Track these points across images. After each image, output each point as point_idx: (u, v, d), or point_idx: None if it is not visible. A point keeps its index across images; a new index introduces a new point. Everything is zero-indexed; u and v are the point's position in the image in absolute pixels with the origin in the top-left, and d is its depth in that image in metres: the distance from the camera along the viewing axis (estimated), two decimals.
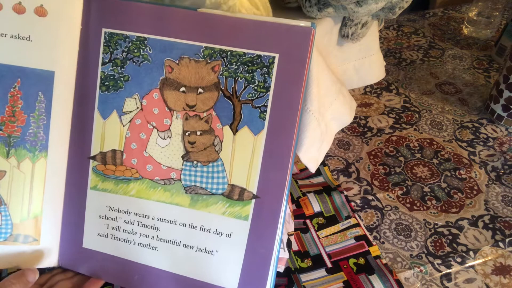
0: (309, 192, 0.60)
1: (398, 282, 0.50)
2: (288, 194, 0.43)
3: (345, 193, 0.60)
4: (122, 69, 0.44)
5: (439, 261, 0.53)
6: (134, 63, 0.43)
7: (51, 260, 0.47)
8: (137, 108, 0.44)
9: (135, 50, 0.43)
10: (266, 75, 0.41)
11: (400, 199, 0.60)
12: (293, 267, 0.52)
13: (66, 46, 0.44)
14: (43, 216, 0.46)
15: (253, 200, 0.43)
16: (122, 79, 0.44)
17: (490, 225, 0.57)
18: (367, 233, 0.56)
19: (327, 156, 0.67)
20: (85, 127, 0.45)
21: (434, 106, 0.76)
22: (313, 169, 0.55)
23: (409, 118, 0.74)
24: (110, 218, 0.46)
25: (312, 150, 0.53)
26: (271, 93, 0.41)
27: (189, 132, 0.43)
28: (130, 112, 0.44)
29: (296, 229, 0.56)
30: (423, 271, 0.52)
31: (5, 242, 0.45)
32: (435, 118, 0.74)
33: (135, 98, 0.44)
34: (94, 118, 0.45)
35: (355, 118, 0.73)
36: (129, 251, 0.46)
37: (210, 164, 0.43)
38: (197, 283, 0.45)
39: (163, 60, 0.43)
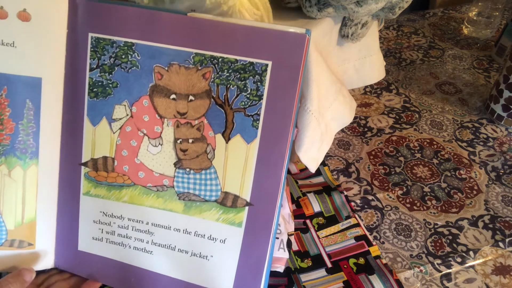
0: (309, 192, 0.60)
1: (398, 282, 0.50)
2: (281, 201, 0.43)
3: (345, 193, 0.60)
4: (111, 75, 0.43)
5: (439, 261, 0.53)
6: (123, 69, 0.42)
7: (47, 262, 0.47)
8: (127, 115, 0.43)
9: (123, 56, 0.42)
10: (258, 83, 0.40)
11: (400, 199, 0.60)
12: (293, 267, 0.52)
13: (52, 52, 0.43)
14: (37, 221, 0.46)
15: (247, 207, 0.43)
16: (110, 85, 0.43)
17: (490, 225, 0.57)
18: (367, 233, 0.56)
19: (327, 156, 0.67)
20: (75, 134, 0.45)
21: (434, 106, 0.76)
22: (313, 169, 0.55)
23: (409, 118, 0.74)
24: (104, 223, 0.46)
25: (312, 150, 0.53)
26: (264, 101, 0.40)
27: (180, 140, 0.43)
28: (120, 119, 0.43)
29: (296, 229, 0.56)
30: (423, 271, 0.52)
31: (0, 247, 0.45)
32: (435, 118, 0.74)
33: (125, 105, 0.43)
34: (84, 125, 0.44)
35: (355, 118, 0.73)
36: (124, 254, 0.46)
37: (203, 172, 0.43)
38: (193, 287, 0.45)
39: (152, 66, 0.42)
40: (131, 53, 0.42)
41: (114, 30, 0.42)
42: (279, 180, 0.42)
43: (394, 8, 0.51)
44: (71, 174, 0.46)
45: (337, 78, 0.55)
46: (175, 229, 0.44)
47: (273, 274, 0.50)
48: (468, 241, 0.55)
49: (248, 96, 0.41)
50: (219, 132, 0.42)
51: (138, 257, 0.46)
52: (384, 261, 0.52)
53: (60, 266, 0.48)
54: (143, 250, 0.45)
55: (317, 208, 0.58)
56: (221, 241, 0.43)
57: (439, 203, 0.60)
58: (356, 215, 0.58)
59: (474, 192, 0.61)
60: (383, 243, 0.55)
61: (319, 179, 0.63)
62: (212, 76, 0.41)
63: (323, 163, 0.65)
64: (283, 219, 0.53)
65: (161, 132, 0.43)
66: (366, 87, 0.81)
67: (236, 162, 0.42)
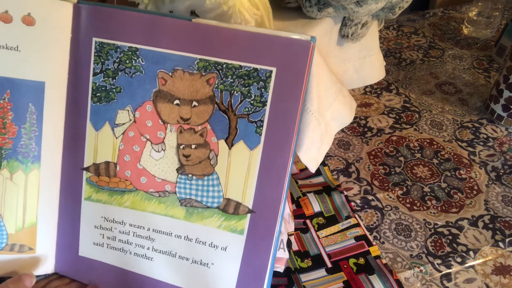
0: (309, 192, 0.60)
1: (398, 282, 0.50)
2: (284, 209, 0.42)
3: (345, 193, 0.60)
4: (114, 80, 0.43)
5: (439, 261, 0.53)
6: (126, 74, 0.42)
7: (47, 267, 0.47)
8: (130, 120, 0.43)
9: (127, 61, 0.42)
10: (263, 89, 0.40)
11: (400, 199, 0.60)
12: (293, 267, 0.52)
13: (56, 56, 0.43)
14: (38, 226, 0.45)
15: (249, 215, 0.42)
16: (114, 90, 0.43)
17: (490, 225, 0.57)
18: (367, 233, 0.56)
19: (327, 156, 0.67)
20: (78, 138, 0.44)
21: (434, 106, 0.76)
22: (313, 169, 0.55)
23: (409, 118, 0.74)
24: (105, 228, 0.46)
25: (312, 150, 0.53)
26: (267, 107, 0.40)
27: (183, 146, 0.42)
28: (123, 124, 0.43)
29: (296, 229, 0.56)
30: (423, 271, 0.52)
31: (0, 252, 0.45)
32: (435, 118, 0.74)
33: (128, 110, 0.43)
34: (86, 130, 0.44)
35: (355, 118, 0.73)
36: (125, 260, 0.46)
37: (205, 178, 0.43)
38: None
39: (156, 71, 0.41)
40: (135, 58, 0.42)
41: (118, 35, 0.42)
42: (282, 188, 0.41)
43: (394, 8, 0.51)
44: (73, 178, 0.45)
45: (337, 78, 0.55)
46: (176, 236, 0.44)
47: (273, 274, 0.50)
48: (468, 241, 0.55)
49: (252, 102, 0.40)
50: (222, 138, 0.42)
51: (139, 263, 0.45)
52: (384, 261, 0.52)
53: (61, 271, 0.47)
54: (144, 257, 0.45)
55: (317, 208, 0.58)
56: (222, 248, 0.43)
57: (439, 203, 0.60)
58: (356, 215, 0.58)
59: (474, 192, 0.61)
60: (383, 243, 0.55)
61: (319, 179, 0.63)
62: (216, 82, 0.41)
63: (323, 163, 0.65)
64: (283, 219, 0.53)
65: (164, 138, 0.43)
66: (366, 87, 0.81)
67: (238, 169, 0.42)
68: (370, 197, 0.60)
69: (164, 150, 0.43)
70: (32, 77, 0.43)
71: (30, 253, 0.46)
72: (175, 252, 0.44)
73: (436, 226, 0.57)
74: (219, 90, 0.41)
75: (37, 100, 0.43)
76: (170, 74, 0.41)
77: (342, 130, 0.71)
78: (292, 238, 0.55)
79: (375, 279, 0.50)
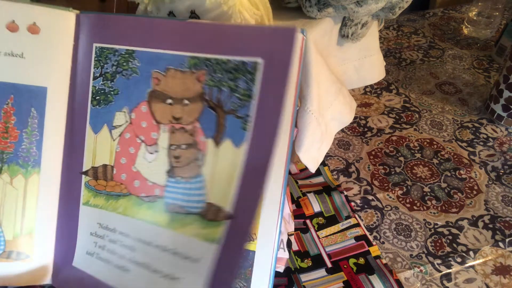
0: (309, 192, 0.60)
1: (398, 282, 0.50)
2: (282, 209, 0.41)
3: (345, 193, 0.60)
4: (112, 82, 0.43)
5: (439, 261, 0.53)
6: (124, 76, 0.43)
7: (44, 277, 0.46)
8: (127, 121, 0.43)
9: (124, 64, 0.43)
10: (250, 82, 0.39)
11: (400, 199, 0.60)
12: (293, 267, 0.52)
13: (59, 63, 0.44)
14: (36, 233, 0.45)
15: (227, 221, 0.40)
16: (112, 92, 0.43)
17: (490, 225, 0.57)
18: (367, 233, 0.56)
19: (327, 156, 0.67)
20: (78, 142, 0.45)
21: (434, 106, 0.76)
22: (313, 169, 0.55)
23: (409, 118, 0.74)
24: (99, 236, 0.45)
25: (312, 150, 0.53)
26: (255, 101, 0.39)
27: (174, 146, 0.43)
28: (120, 126, 0.44)
29: (296, 229, 0.56)
30: (423, 271, 0.52)
31: None
32: (435, 118, 0.74)
33: (125, 112, 0.43)
34: (86, 133, 0.44)
35: (355, 118, 0.73)
36: (106, 273, 0.45)
37: (192, 180, 0.42)
38: None
39: (150, 72, 0.42)
40: (132, 60, 0.42)
41: (116, 39, 0.43)
42: (260, 190, 0.39)
43: (394, 8, 0.51)
44: (72, 183, 0.45)
45: (337, 78, 0.55)
46: (155, 246, 0.43)
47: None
48: (468, 241, 0.55)
49: (239, 96, 0.40)
50: (210, 136, 0.41)
51: (116, 276, 0.44)
52: (384, 261, 0.52)
53: (56, 282, 0.46)
54: (122, 269, 0.44)
55: (317, 208, 0.58)
56: (195, 260, 0.41)
57: (439, 203, 0.60)
58: (356, 215, 0.58)
59: (474, 192, 0.61)
60: (383, 243, 0.55)
61: (319, 179, 0.63)
62: (206, 78, 0.41)
63: (323, 163, 0.65)
64: (283, 219, 0.53)
65: (157, 139, 0.43)
66: (366, 87, 0.81)
67: (223, 168, 0.41)
68: (370, 197, 0.60)
69: (157, 152, 0.43)
70: (35, 82, 0.44)
71: (27, 261, 0.45)
72: (151, 265, 0.43)
73: (436, 226, 0.57)
74: (208, 86, 0.41)
75: (39, 105, 0.44)
76: (164, 73, 0.42)
77: (342, 130, 0.71)
78: (292, 238, 0.55)
79: (375, 279, 0.50)
